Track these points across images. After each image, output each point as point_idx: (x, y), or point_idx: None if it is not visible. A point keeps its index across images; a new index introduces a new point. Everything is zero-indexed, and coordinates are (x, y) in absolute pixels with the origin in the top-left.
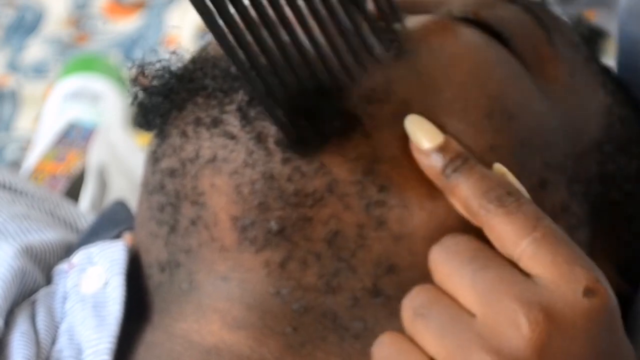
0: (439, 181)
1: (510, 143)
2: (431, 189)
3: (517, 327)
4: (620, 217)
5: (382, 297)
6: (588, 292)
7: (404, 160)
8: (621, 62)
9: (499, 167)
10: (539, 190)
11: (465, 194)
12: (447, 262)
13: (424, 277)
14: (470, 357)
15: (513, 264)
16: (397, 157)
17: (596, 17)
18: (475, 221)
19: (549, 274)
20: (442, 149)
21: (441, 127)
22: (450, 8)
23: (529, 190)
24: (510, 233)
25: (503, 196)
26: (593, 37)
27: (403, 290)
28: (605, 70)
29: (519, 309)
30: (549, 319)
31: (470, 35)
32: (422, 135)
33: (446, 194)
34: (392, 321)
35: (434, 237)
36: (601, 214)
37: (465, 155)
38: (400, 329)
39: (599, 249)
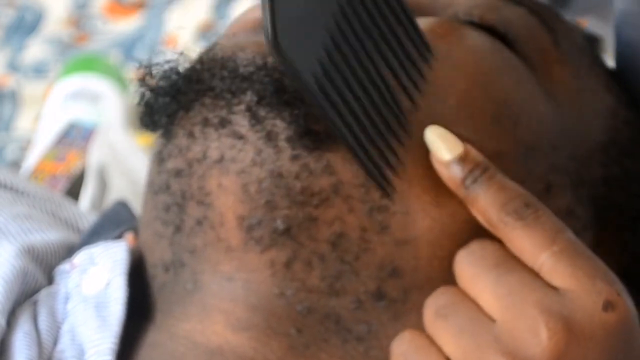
0: (459, 193)
1: (516, 148)
2: (436, 196)
3: (535, 334)
4: (626, 220)
5: (385, 301)
6: (608, 304)
7: (408, 166)
8: (619, 66)
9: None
10: (544, 195)
11: (484, 206)
12: (471, 266)
13: (429, 281)
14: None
15: (535, 274)
16: (402, 162)
17: (589, 26)
18: (496, 233)
19: (569, 285)
20: (462, 159)
21: None
22: (455, 11)
23: (535, 195)
24: (529, 246)
25: (521, 208)
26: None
27: (407, 294)
28: (611, 72)
29: (539, 315)
30: (568, 328)
31: (475, 39)
32: (443, 145)
33: (468, 205)
34: (396, 325)
35: (439, 243)
36: (605, 218)
37: (484, 165)
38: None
39: (603, 252)
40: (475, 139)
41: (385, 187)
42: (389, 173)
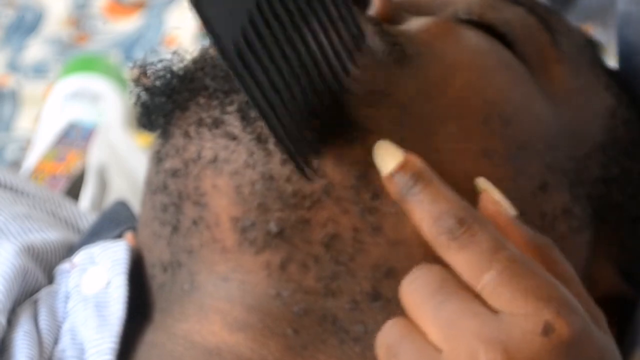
0: (401, 204)
1: (506, 147)
2: None
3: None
4: (624, 220)
5: (381, 301)
6: (547, 327)
7: None
8: (621, 67)
9: (482, 182)
10: (539, 193)
11: (418, 221)
12: (414, 294)
13: None
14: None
15: (476, 298)
16: None
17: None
18: (435, 251)
19: (508, 309)
20: (402, 167)
21: (434, 132)
22: (454, 10)
23: (529, 194)
24: (467, 269)
25: (454, 226)
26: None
27: None
28: (610, 72)
29: (478, 344)
30: (507, 356)
31: (473, 39)
32: (385, 156)
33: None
34: None
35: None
36: (604, 217)
37: (420, 173)
38: None
39: (601, 251)
40: (461, 137)
41: (302, 167)
42: (310, 153)
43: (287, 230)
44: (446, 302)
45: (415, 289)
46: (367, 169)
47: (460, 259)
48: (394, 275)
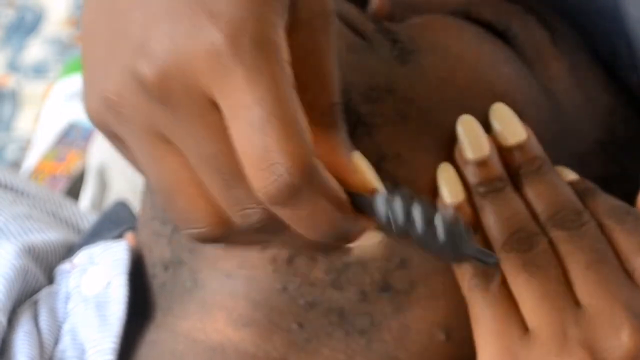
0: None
1: None
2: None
3: (617, 330)
4: None
5: (390, 292)
6: None
7: (409, 158)
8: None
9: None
10: None
11: (600, 207)
12: (574, 241)
13: (436, 271)
14: (564, 338)
15: (629, 274)
16: (402, 155)
17: None
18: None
19: None
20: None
21: (444, 126)
22: (453, 7)
23: None
24: (627, 248)
25: (624, 213)
26: None
27: (413, 285)
28: (609, 70)
29: (625, 313)
30: None
31: (474, 34)
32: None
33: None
34: (399, 317)
35: None
36: None
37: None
38: (405, 326)
39: None
40: None
41: None
42: None
43: None
44: (602, 264)
45: (577, 235)
46: (379, 161)
47: (625, 238)
48: (407, 266)
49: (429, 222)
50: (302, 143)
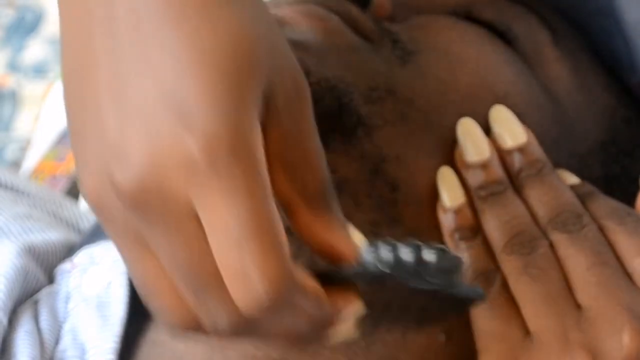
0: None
1: None
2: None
3: (617, 331)
4: None
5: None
6: None
7: (409, 160)
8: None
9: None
10: None
11: (601, 210)
12: (574, 243)
13: None
14: (565, 340)
15: (628, 275)
16: (402, 156)
17: None
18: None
19: None
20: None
21: (444, 127)
22: (454, 8)
23: None
24: (627, 248)
25: (625, 214)
26: None
27: None
28: (610, 71)
29: (625, 314)
30: None
31: (475, 34)
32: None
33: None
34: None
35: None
36: None
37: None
38: (405, 327)
39: None
40: None
41: None
42: None
43: None
44: (603, 266)
45: (578, 238)
46: (380, 163)
47: (626, 239)
48: None
49: (418, 259)
50: (279, 261)
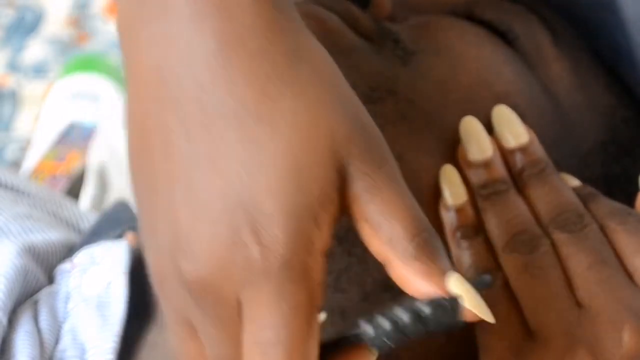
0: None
1: None
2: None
3: (617, 330)
4: None
5: (392, 292)
6: None
7: (411, 159)
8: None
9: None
10: None
11: (601, 210)
12: (575, 242)
13: None
14: (566, 338)
15: (629, 275)
16: (404, 156)
17: None
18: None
19: None
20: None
21: (446, 127)
22: (454, 7)
23: None
24: (628, 248)
25: (626, 215)
26: None
27: None
28: (610, 71)
29: (625, 313)
30: None
31: (475, 35)
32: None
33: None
34: None
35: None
36: None
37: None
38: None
39: None
40: None
41: None
42: None
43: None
44: (603, 265)
45: (584, 239)
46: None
47: (627, 238)
48: None
49: (416, 316)
50: None
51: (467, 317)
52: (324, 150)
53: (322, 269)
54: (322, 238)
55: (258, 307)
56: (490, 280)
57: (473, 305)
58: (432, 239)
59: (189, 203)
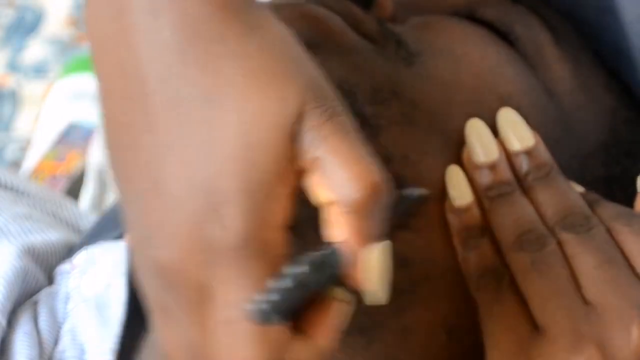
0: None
1: None
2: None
3: (626, 329)
4: None
5: (391, 292)
6: None
7: (416, 160)
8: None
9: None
10: None
11: (607, 215)
12: (582, 243)
13: (438, 271)
14: (574, 334)
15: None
16: (409, 156)
17: None
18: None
19: None
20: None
21: (450, 128)
22: (455, 8)
23: None
24: (636, 249)
25: (631, 217)
26: None
27: (415, 285)
28: (611, 72)
29: (634, 311)
30: None
31: (478, 36)
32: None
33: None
34: (400, 316)
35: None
36: None
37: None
38: (406, 326)
39: None
40: None
41: None
42: None
43: (298, 226)
44: (612, 264)
45: (590, 240)
46: (386, 163)
47: (632, 240)
48: (408, 265)
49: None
50: (270, 348)
51: (349, 276)
52: (276, 123)
53: (282, 243)
54: (281, 212)
55: (222, 286)
56: (423, 193)
57: (372, 275)
58: (379, 197)
59: (156, 193)
